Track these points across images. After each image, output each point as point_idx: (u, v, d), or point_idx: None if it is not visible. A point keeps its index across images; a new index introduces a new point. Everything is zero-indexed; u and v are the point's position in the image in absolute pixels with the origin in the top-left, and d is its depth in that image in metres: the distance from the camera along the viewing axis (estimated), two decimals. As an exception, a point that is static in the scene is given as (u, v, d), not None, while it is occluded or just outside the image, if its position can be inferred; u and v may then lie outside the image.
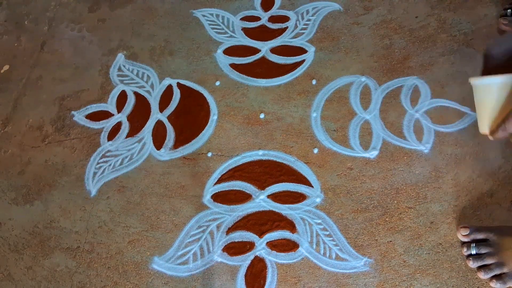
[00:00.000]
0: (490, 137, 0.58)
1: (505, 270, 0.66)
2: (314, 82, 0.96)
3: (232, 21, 1.10)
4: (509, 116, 0.54)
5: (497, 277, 0.67)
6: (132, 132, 0.98)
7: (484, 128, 0.59)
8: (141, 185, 0.91)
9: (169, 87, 1.03)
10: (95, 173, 0.94)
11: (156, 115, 0.99)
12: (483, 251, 0.68)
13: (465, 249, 0.70)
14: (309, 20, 1.05)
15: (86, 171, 0.95)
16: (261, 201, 0.84)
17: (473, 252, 0.69)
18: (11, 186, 0.97)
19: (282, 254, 0.79)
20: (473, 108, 0.74)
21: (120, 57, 1.10)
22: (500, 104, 0.56)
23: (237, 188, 0.87)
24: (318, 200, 0.82)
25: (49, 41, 1.19)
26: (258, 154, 0.90)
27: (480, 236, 0.70)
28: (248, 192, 0.86)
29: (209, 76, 1.02)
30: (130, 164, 0.94)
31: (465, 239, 0.71)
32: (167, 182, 0.90)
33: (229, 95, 0.98)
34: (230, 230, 0.82)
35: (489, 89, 0.56)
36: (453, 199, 0.77)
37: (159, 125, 0.98)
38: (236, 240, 0.81)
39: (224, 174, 0.89)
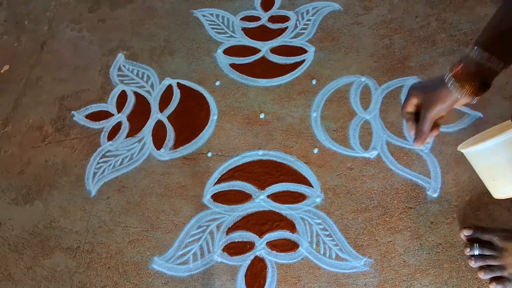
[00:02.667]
0: None
1: (505, 274, 0.66)
2: (314, 82, 0.96)
3: (232, 21, 1.10)
4: None
5: (497, 280, 0.67)
6: (132, 132, 0.98)
7: (507, 191, 0.52)
8: (141, 185, 0.91)
9: (169, 87, 1.03)
10: (95, 173, 0.94)
11: (156, 115, 0.99)
12: (486, 253, 0.68)
13: (468, 249, 0.70)
14: (309, 20, 1.05)
15: (86, 171, 0.95)
16: (261, 201, 0.84)
17: (476, 253, 0.69)
18: (11, 186, 0.97)
19: (282, 254, 0.79)
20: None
21: (120, 57, 1.10)
22: None
23: (237, 188, 0.86)
24: (318, 200, 0.82)
25: (49, 41, 1.19)
26: (258, 154, 0.90)
27: (483, 237, 0.70)
28: (248, 192, 0.86)
29: (209, 76, 1.02)
30: (130, 164, 0.94)
31: (467, 239, 0.71)
32: (167, 182, 0.90)
33: (229, 95, 0.98)
34: (230, 230, 0.82)
35: (496, 150, 0.50)
36: (453, 199, 0.77)
37: (159, 125, 0.98)
38: (236, 240, 0.81)
39: (224, 174, 0.89)
